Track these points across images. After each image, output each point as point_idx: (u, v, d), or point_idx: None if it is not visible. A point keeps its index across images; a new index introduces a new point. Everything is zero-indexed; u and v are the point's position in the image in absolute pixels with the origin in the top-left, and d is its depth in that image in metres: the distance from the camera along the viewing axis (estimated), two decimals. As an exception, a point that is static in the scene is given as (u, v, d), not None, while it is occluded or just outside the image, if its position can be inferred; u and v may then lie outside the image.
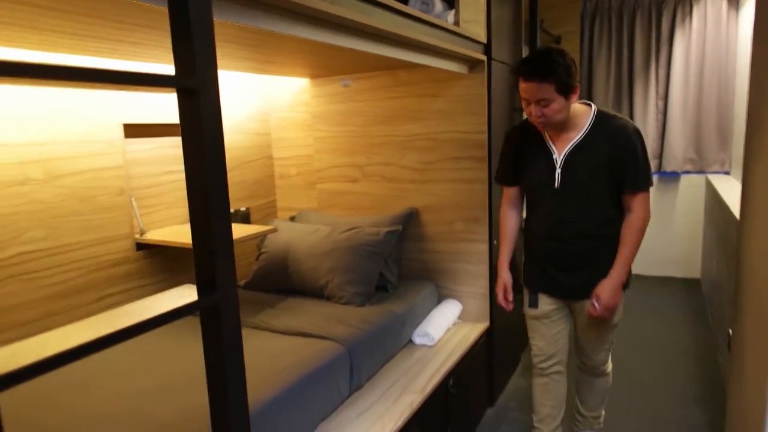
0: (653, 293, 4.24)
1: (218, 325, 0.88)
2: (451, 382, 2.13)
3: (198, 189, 0.85)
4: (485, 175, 2.48)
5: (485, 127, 2.45)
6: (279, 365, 1.72)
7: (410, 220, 2.63)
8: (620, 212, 1.86)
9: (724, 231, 3.18)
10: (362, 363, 1.93)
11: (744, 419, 1.58)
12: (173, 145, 2.44)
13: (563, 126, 1.84)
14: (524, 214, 2.12)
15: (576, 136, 1.85)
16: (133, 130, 2.23)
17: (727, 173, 4.39)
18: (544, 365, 2.11)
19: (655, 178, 4.65)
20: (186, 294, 2.10)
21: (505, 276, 2.06)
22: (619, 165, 1.80)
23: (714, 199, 3.75)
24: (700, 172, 4.50)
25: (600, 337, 2.02)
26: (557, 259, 1.94)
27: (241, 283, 2.57)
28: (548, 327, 2.05)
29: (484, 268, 2.54)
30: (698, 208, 4.59)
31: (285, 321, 2.07)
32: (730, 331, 1.99)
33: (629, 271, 1.90)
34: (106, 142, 2.10)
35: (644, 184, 1.82)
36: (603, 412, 2.25)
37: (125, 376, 1.69)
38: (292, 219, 2.87)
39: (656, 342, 3.36)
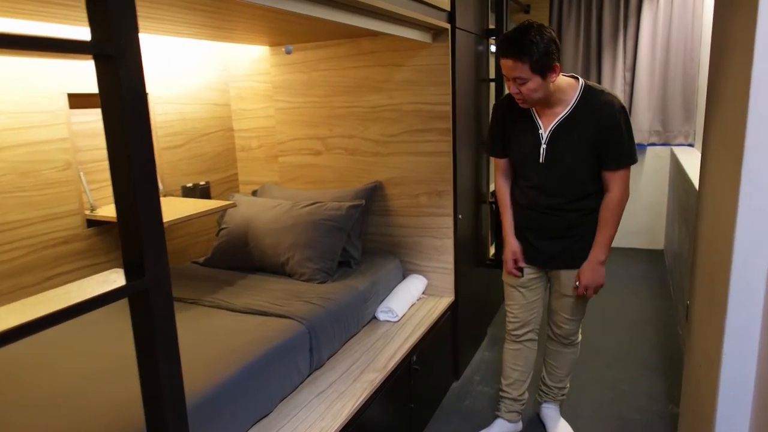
0: (617, 265, 4.31)
1: (148, 311, 0.82)
2: (414, 358, 2.12)
3: (121, 165, 0.78)
4: (449, 147, 2.43)
5: (449, 98, 2.39)
6: (236, 344, 1.67)
7: (374, 193, 2.57)
8: (601, 186, 1.89)
9: (686, 202, 3.22)
10: (322, 341, 1.89)
11: (697, 388, 1.61)
12: (124, 117, 2.31)
13: (548, 101, 1.83)
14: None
15: (562, 112, 1.84)
16: (78, 101, 2.11)
17: (691, 145, 4.44)
18: (518, 332, 2.15)
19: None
20: (112, 279, 1.96)
21: (513, 243, 2.05)
22: (602, 142, 1.80)
23: (677, 171, 3.80)
24: (666, 144, 4.54)
25: (573, 307, 2.04)
26: (537, 228, 1.98)
27: (201, 260, 2.50)
28: (526, 295, 2.09)
29: (449, 243, 2.52)
30: (663, 180, 4.65)
31: (244, 299, 2.02)
32: (688, 302, 2.02)
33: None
34: (48, 113, 1.98)
35: (626, 161, 1.82)
36: (568, 385, 2.27)
37: (70, 358, 1.62)
38: (254, 193, 2.78)
39: (619, 313, 3.42)
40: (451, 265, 2.54)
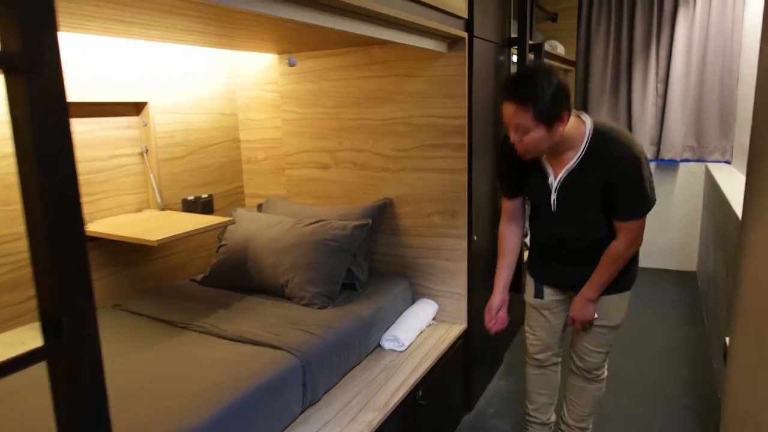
0: (647, 286, 4.06)
1: (70, 379, 0.67)
2: (419, 393, 1.95)
3: (33, 200, 0.64)
4: (464, 164, 2.26)
5: (465, 112, 2.23)
6: (220, 379, 1.53)
7: (383, 211, 2.42)
8: None
9: (722, 225, 2.98)
10: (318, 375, 1.74)
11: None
12: (121, 126, 2.21)
13: (554, 150, 1.67)
14: (527, 225, 1.99)
15: (571, 160, 1.67)
16: (71, 110, 2.00)
17: (728, 162, 4.18)
18: (541, 356, 2.05)
19: (653, 165, 4.43)
20: (23, 340, 1.79)
21: (499, 297, 1.95)
22: (612, 193, 1.66)
23: (713, 190, 3.55)
24: (700, 160, 4.27)
25: (598, 338, 1.89)
26: (558, 256, 1.89)
27: (199, 278, 2.37)
28: (549, 319, 1.99)
29: (462, 266, 2.34)
30: (696, 198, 4.38)
31: (236, 325, 1.88)
32: (727, 341, 1.81)
33: (634, 272, 1.86)
34: (37, 123, 1.88)
35: (637, 215, 1.68)
36: (591, 426, 2.08)
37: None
38: (260, 207, 2.66)
39: (647, 340, 3.19)
40: (464, 290, 2.37)
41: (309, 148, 2.60)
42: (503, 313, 1.95)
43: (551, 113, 1.52)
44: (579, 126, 1.65)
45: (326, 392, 1.81)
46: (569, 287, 1.91)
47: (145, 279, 2.32)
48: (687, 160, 4.31)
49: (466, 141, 2.25)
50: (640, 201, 1.65)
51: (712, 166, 4.02)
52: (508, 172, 1.85)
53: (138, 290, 2.28)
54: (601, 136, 1.63)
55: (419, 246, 2.42)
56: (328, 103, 2.51)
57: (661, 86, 4.26)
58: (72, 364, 0.67)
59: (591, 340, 1.90)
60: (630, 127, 4.38)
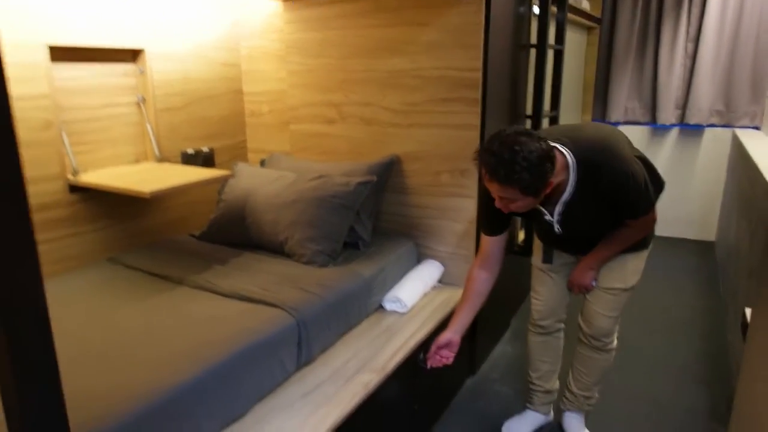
0: (663, 255, 3.93)
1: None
2: (421, 355, 1.88)
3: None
4: (477, 120, 2.14)
5: (480, 64, 2.09)
6: (210, 336, 1.47)
7: (390, 169, 2.31)
8: None
9: (749, 193, 2.83)
10: (314, 335, 1.68)
11: (758, 425, 1.32)
12: (116, 74, 2.11)
13: None
14: (496, 275, 1.76)
15: (563, 196, 1.56)
16: (62, 54, 1.91)
17: (757, 128, 3.97)
18: (544, 323, 1.98)
19: (676, 130, 4.24)
20: None
21: (445, 335, 1.70)
22: (614, 205, 1.58)
23: (740, 156, 3.37)
24: (727, 125, 4.07)
25: (609, 302, 1.81)
26: (567, 246, 1.86)
27: (197, 233, 2.31)
28: (556, 280, 1.91)
29: (471, 227, 2.25)
30: (720, 166, 4.19)
31: (232, 281, 1.81)
32: (748, 313, 1.70)
33: (650, 235, 1.79)
34: (26, 65, 1.79)
35: (645, 211, 1.63)
36: (596, 394, 2.01)
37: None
38: (263, 163, 2.56)
39: (661, 311, 3.09)
40: (471, 252, 2.27)
41: (314, 102, 2.48)
42: (448, 353, 1.70)
43: (538, 186, 1.41)
44: (561, 161, 1.50)
45: (323, 352, 1.75)
46: (580, 253, 1.83)
47: (142, 233, 2.26)
48: (713, 125, 4.11)
49: (480, 95, 2.11)
50: (645, 202, 1.60)
51: (740, 132, 3.82)
52: (494, 209, 1.54)
53: (134, 244, 2.23)
54: (586, 165, 1.51)
55: (426, 205, 2.32)
56: (335, 54, 2.37)
57: (691, 46, 4.03)
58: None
59: (601, 303, 1.81)
60: (655, 90, 4.18)
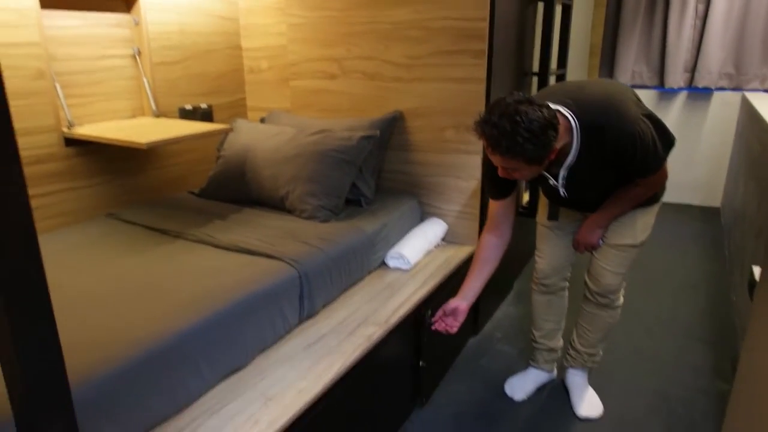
0: (668, 221, 3.89)
1: None
2: (429, 312, 1.85)
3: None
4: (483, 73, 2.07)
5: (487, 13, 2.01)
6: (210, 286, 1.44)
7: (393, 125, 2.26)
8: None
9: (758, 154, 2.77)
10: (316, 288, 1.65)
11: (764, 379, 1.30)
12: (110, 24, 2.04)
13: None
14: (507, 240, 1.72)
15: (567, 159, 1.51)
16: (52, 0, 1.84)
17: (766, 91, 3.89)
18: (548, 281, 1.94)
19: (683, 94, 4.16)
20: None
21: (454, 301, 1.66)
22: (622, 166, 1.53)
23: (750, 119, 3.30)
24: (737, 89, 3.99)
25: (617, 259, 1.77)
26: (574, 207, 1.82)
27: (197, 190, 2.27)
28: (561, 237, 1.87)
29: (475, 185, 2.20)
30: (728, 131, 4.12)
31: (232, 235, 1.78)
32: (756, 271, 1.67)
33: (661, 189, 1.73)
34: (14, 11, 1.72)
35: (654, 170, 1.57)
36: (601, 352, 1.99)
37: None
38: (263, 121, 2.51)
39: (666, 274, 3.06)
40: (476, 210, 2.23)
41: (315, 57, 2.41)
42: (453, 322, 1.64)
43: (542, 155, 1.36)
44: (564, 123, 1.45)
45: (325, 306, 1.73)
46: (586, 210, 1.79)
47: (141, 190, 2.22)
48: (722, 88, 4.03)
49: (486, 47, 2.05)
50: (654, 160, 1.53)
51: (749, 95, 3.74)
52: (498, 175, 1.51)
53: (133, 202, 2.19)
54: (590, 128, 1.46)
55: (430, 163, 2.27)
56: (336, 5, 2.29)
57: (701, 6, 3.92)
58: None
59: (609, 260, 1.77)
60: (663, 53, 4.08)
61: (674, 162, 4.21)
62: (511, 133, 1.31)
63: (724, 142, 4.14)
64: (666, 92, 4.19)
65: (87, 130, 1.90)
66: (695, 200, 4.32)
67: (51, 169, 1.88)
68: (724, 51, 3.92)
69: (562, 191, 1.61)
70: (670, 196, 4.29)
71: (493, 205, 1.69)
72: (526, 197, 2.83)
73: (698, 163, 4.23)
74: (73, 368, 1.09)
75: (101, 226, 1.90)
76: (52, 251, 1.68)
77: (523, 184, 2.76)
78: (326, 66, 2.40)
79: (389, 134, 2.26)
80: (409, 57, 2.19)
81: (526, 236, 2.85)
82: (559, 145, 1.43)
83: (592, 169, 1.53)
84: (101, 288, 1.45)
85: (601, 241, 1.77)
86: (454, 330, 1.65)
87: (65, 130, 1.89)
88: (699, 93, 4.11)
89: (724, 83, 4.00)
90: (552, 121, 1.35)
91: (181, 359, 1.25)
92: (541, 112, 1.33)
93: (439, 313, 1.68)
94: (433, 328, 1.67)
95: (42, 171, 1.85)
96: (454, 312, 1.65)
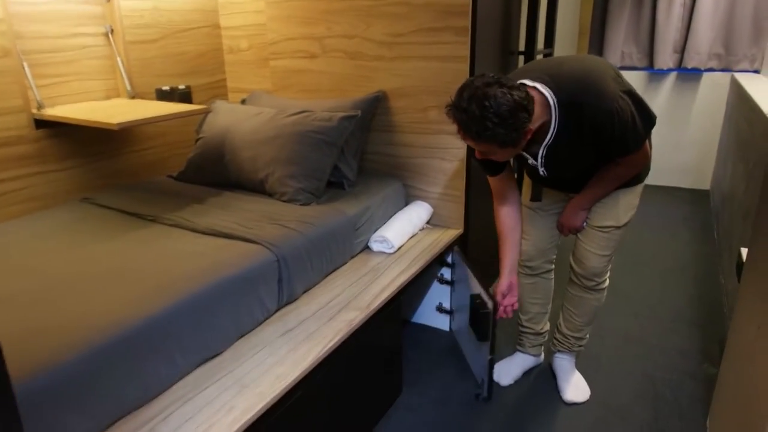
0: (657, 204, 3.87)
1: None
2: (491, 303, 1.80)
3: None
4: (466, 51, 2.01)
5: (470, -11, 1.95)
6: (183, 270, 1.39)
7: (375, 105, 2.20)
8: None
9: (747, 134, 2.75)
10: (296, 272, 1.60)
11: (750, 353, 1.27)
12: (82, 0, 1.96)
13: None
14: (519, 202, 1.78)
15: (545, 138, 1.47)
16: (17, -26, 1.76)
17: (756, 72, 3.86)
18: (533, 264, 1.92)
19: (673, 76, 4.12)
20: None
21: (503, 281, 1.77)
22: (601, 144, 1.47)
23: (739, 99, 3.27)
24: (726, 69, 3.95)
25: (603, 241, 1.73)
26: (557, 186, 1.78)
27: (175, 173, 2.20)
28: (545, 218, 1.84)
29: (460, 166, 2.16)
30: (717, 113, 4.09)
31: (209, 219, 1.73)
32: (744, 252, 1.64)
33: (645, 169, 1.68)
34: (-24, -15, 1.64)
35: (635, 147, 1.51)
36: (587, 335, 1.97)
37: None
38: (243, 102, 2.44)
39: (654, 257, 3.04)
40: (461, 192, 2.19)
41: (295, 35, 2.34)
42: (512, 299, 1.78)
43: (514, 138, 1.33)
44: (541, 100, 1.41)
45: (306, 291, 1.68)
46: (570, 191, 1.76)
47: (117, 175, 2.16)
48: (712, 69, 3.99)
49: (469, 24, 1.99)
50: (634, 138, 1.48)
51: (739, 76, 3.71)
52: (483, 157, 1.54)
53: (109, 186, 2.12)
54: (568, 106, 1.41)
55: (414, 144, 2.22)
56: (316, -18, 2.22)
57: (691, -15, 3.86)
58: None
59: (593, 242, 1.74)
60: (652, 33, 4.03)
61: (664, 144, 4.20)
62: (480, 118, 1.28)
63: (713, 124, 4.11)
64: (655, 74, 4.15)
65: (58, 111, 1.83)
66: (684, 183, 4.30)
67: (20, 152, 1.81)
68: (713, 31, 3.88)
69: (541, 170, 1.56)
70: (659, 178, 4.27)
71: (492, 181, 1.71)
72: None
73: (688, 146, 4.21)
74: (33, 355, 1.05)
75: (74, 210, 1.84)
76: (22, 237, 1.62)
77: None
78: (307, 45, 2.33)
79: (371, 115, 2.21)
80: (391, 35, 2.13)
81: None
82: (535, 124, 1.40)
83: (571, 147, 1.49)
84: (72, 272, 1.40)
85: (585, 224, 1.74)
86: (517, 305, 1.81)
87: (35, 111, 1.82)
88: (688, 74, 4.07)
89: (713, 64, 3.97)
90: (523, 103, 1.31)
91: (151, 345, 1.20)
92: (511, 94, 1.29)
93: (499, 299, 1.78)
94: (504, 316, 1.78)
95: (11, 153, 1.79)
96: (510, 289, 1.78)
